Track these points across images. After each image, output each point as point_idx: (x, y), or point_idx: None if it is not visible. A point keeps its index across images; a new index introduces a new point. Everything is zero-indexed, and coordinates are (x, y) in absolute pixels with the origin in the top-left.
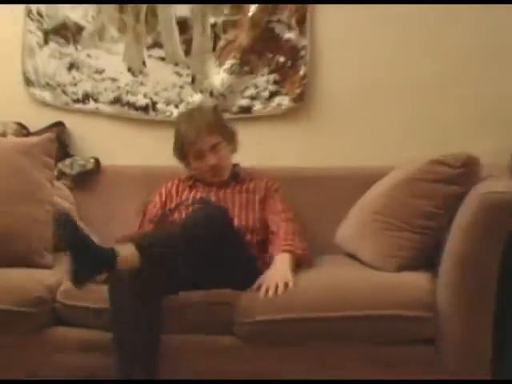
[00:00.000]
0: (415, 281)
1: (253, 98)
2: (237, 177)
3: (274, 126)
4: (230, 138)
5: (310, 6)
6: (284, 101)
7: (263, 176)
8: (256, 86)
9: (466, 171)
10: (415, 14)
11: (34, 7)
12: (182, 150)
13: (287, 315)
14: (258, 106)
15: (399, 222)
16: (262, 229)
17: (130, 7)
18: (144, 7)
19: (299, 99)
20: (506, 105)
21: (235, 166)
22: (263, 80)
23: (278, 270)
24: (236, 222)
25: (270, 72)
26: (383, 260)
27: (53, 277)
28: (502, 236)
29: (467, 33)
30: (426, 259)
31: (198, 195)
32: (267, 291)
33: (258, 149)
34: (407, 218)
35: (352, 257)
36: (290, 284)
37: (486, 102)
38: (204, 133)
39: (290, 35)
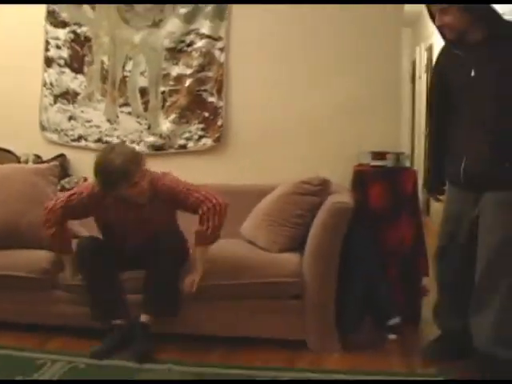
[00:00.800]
0: (289, 258)
1: (188, 139)
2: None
3: (201, 158)
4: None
5: (225, 80)
6: (208, 141)
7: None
8: (190, 132)
9: (322, 188)
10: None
11: (48, 79)
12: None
13: (205, 283)
14: (191, 145)
15: (281, 220)
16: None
17: (110, 80)
18: (118, 79)
19: (217, 140)
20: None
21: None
22: (194, 128)
23: (195, 268)
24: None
25: (199, 123)
26: (270, 244)
27: (54, 255)
28: (343, 230)
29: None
30: (298, 244)
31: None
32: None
33: (191, 173)
34: (286, 217)
35: (251, 242)
36: (197, 279)
37: (338, 145)
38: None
39: (212, 99)
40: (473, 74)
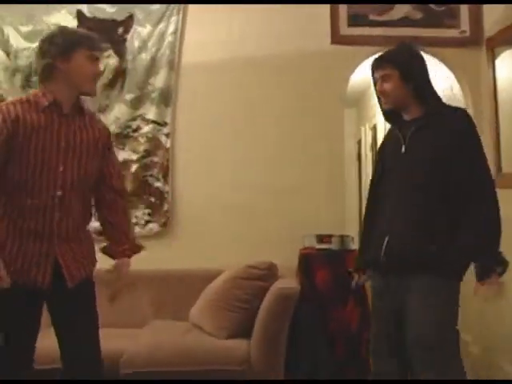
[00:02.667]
0: (237, 345)
1: (134, 224)
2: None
3: (149, 243)
4: None
5: (170, 163)
6: (155, 226)
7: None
8: (136, 217)
9: (269, 273)
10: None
11: None
12: (70, 47)
13: (149, 369)
14: (138, 229)
15: (227, 305)
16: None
17: None
18: None
19: (164, 225)
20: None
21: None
22: (141, 213)
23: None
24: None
25: (145, 208)
26: (217, 330)
27: None
28: (289, 315)
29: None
30: (246, 329)
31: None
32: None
33: (138, 257)
34: (232, 302)
35: (199, 327)
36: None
37: (284, 227)
38: None
39: (158, 184)
40: (403, 150)
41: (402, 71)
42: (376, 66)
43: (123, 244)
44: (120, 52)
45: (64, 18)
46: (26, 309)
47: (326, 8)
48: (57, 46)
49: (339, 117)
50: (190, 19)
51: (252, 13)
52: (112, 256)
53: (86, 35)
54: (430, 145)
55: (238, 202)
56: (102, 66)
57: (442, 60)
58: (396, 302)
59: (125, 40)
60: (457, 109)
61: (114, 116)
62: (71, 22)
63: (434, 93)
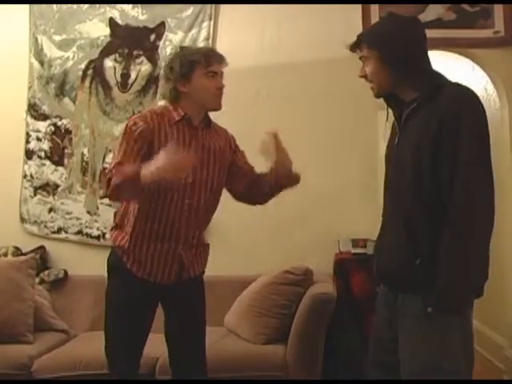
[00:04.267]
0: (274, 351)
1: None
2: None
3: None
4: None
5: None
6: None
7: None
8: None
9: (305, 278)
10: None
11: (28, 171)
12: (188, 70)
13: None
14: None
15: (264, 310)
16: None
17: (90, 172)
18: (98, 171)
19: None
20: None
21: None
22: None
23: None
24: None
25: None
26: (255, 336)
27: (33, 350)
28: (326, 321)
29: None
30: (282, 334)
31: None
32: None
33: None
34: (269, 308)
35: (235, 333)
36: None
37: (319, 232)
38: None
39: None
40: (396, 141)
41: (381, 51)
42: (353, 46)
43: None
44: (152, 59)
45: (96, 26)
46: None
47: (357, 11)
48: (176, 70)
49: (372, 119)
50: (222, 25)
51: (284, 17)
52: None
53: (201, 53)
54: (414, 135)
55: (274, 207)
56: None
57: (476, 61)
58: (393, 327)
59: (157, 47)
60: (453, 87)
61: None
62: (104, 31)
63: (427, 70)
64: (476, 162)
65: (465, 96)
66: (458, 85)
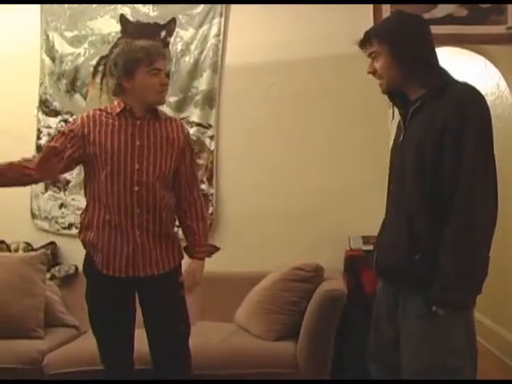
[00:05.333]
0: (285, 348)
1: (179, 226)
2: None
3: None
4: None
5: (215, 166)
6: None
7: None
8: None
9: (316, 274)
10: None
11: None
12: (131, 67)
13: (197, 371)
14: None
15: (274, 307)
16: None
17: None
18: None
19: (210, 228)
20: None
21: None
22: None
23: (196, 277)
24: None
25: None
26: (265, 333)
27: (43, 345)
28: (337, 317)
29: None
30: (293, 331)
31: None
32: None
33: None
34: (280, 304)
35: (245, 329)
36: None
37: (329, 229)
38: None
39: (203, 186)
40: (401, 138)
41: (392, 47)
42: (363, 43)
43: (199, 246)
44: None
45: (107, 22)
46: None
47: (368, 10)
48: (119, 66)
49: (383, 116)
50: (233, 21)
51: (295, 14)
52: (190, 256)
53: (144, 50)
54: (418, 133)
55: (284, 203)
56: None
57: (489, 57)
58: (394, 325)
59: (168, 43)
60: (459, 86)
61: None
62: (115, 27)
63: (435, 67)
64: (479, 161)
65: (470, 96)
66: (464, 84)
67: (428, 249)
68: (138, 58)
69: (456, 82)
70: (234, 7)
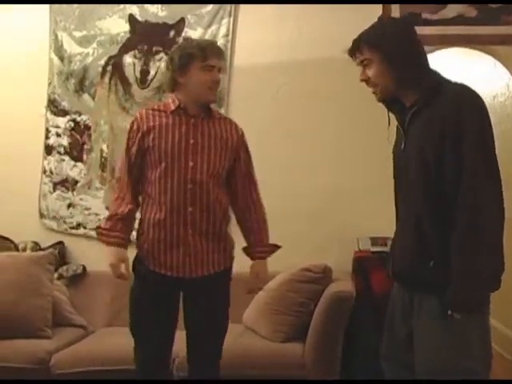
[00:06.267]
0: (293, 349)
1: None
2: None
3: None
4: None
5: None
6: None
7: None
8: None
9: (324, 276)
10: None
11: (47, 167)
12: (185, 62)
13: None
14: None
15: (282, 308)
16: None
17: (108, 168)
18: (117, 168)
19: None
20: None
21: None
22: None
23: (260, 278)
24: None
25: None
26: (273, 334)
27: (51, 345)
28: (345, 319)
29: None
30: (301, 332)
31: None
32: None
33: None
34: (288, 306)
35: (253, 330)
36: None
37: (338, 230)
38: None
39: None
40: (402, 146)
41: (384, 53)
42: (353, 50)
43: (261, 246)
44: None
45: (116, 22)
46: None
47: (376, 9)
48: (175, 61)
49: (392, 117)
50: (242, 21)
51: (303, 15)
52: (251, 258)
53: (200, 46)
54: (418, 140)
55: (292, 203)
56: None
57: (498, 58)
58: (408, 325)
59: (176, 43)
60: (453, 87)
61: None
62: (123, 27)
63: (426, 68)
64: (479, 162)
65: (466, 97)
66: (459, 85)
67: (440, 254)
68: (193, 53)
69: (449, 82)
70: (243, 7)
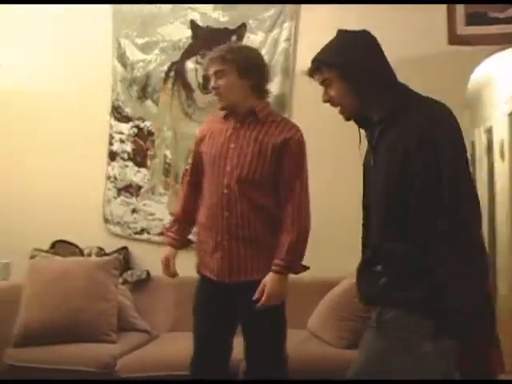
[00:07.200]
0: (356, 355)
1: None
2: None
3: None
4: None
5: None
6: None
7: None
8: None
9: None
10: None
11: (111, 173)
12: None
13: None
14: None
15: (347, 314)
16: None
17: (172, 174)
18: (181, 173)
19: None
20: None
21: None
22: None
23: (267, 291)
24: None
25: None
26: (337, 340)
27: (116, 349)
28: None
29: None
30: None
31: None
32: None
33: None
34: (352, 311)
35: (317, 336)
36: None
37: None
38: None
39: None
40: (372, 162)
41: (343, 71)
42: (312, 71)
43: (277, 259)
44: None
45: (178, 29)
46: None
47: (440, 10)
48: None
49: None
50: (303, 25)
51: (365, 16)
52: None
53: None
54: (387, 158)
55: (358, 208)
56: None
57: None
58: None
59: None
60: (425, 103)
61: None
62: (185, 33)
63: (392, 82)
64: (460, 175)
65: (437, 110)
66: (427, 99)
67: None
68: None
69: (418, 96)
70: (303, 10)
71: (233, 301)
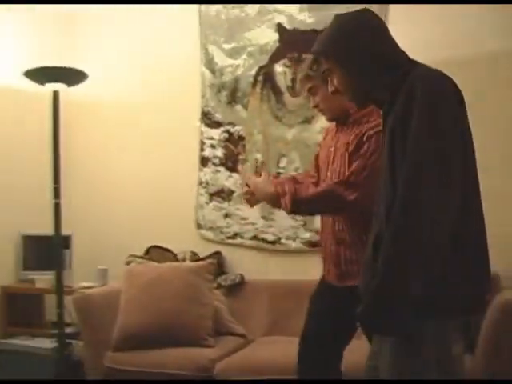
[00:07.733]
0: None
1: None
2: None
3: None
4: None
5: None
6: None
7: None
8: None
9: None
10: None
11: (203, 178)
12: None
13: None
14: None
15: None
16: None
17: None
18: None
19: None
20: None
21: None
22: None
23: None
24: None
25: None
26: None
27: (214, 353)
28: None
29: None
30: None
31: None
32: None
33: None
34: None
35: None
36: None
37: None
38: None
39: None
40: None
41: (339, 59)
42: (312, 65)
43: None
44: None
45: (264, 32)
46: None
47: None
48: None
49: None
50: (391, 23)
51: (454, 14)
52: None
53: None
54: (387, 140)
55: None
56: None
57: None
58: None
59: None
60: (419, 74)
61: (320, 127)
62: (272, 36)
63: (396, 66)
64: (424, 155)
65: (422, 79)
66: (421, 68)
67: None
68: None
69: (420, 70)
70: (392, 9)
71: (343, 304)
